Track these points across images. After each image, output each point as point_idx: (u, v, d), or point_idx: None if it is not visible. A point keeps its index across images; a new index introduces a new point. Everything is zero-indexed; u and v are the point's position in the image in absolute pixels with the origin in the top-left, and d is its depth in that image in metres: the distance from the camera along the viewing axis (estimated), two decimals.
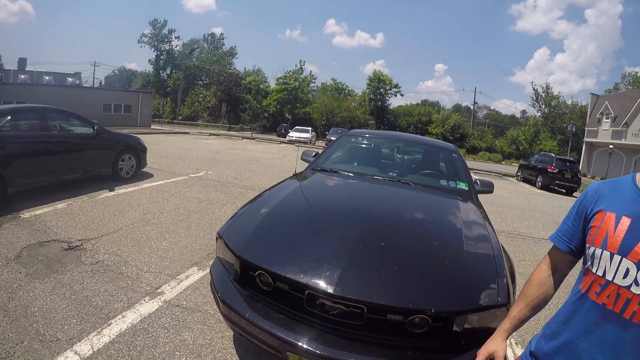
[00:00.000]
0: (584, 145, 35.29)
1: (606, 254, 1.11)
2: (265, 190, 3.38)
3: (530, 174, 19.64)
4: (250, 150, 19.33)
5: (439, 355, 1.97)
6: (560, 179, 17.10)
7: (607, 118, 32.33)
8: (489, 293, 2.08)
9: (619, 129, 30.41)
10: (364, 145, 5.03)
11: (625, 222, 1.10)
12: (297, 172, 4.26)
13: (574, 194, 17.29)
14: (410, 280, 2.15)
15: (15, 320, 2.80)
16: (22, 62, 30.95)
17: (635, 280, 1.05)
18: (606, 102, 32.88)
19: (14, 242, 4.14)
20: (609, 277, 1.10)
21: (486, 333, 2.11)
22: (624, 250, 1.08)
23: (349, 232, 2.47)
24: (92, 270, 3.73)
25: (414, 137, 5.40)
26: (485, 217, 3.20)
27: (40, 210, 5.29)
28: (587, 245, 1.19)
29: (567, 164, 17.92)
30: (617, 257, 1.09)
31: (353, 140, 5.05)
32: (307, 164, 4.41)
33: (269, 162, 14.64)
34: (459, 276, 2.18)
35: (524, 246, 6.50)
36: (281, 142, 29.28)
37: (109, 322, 2.91)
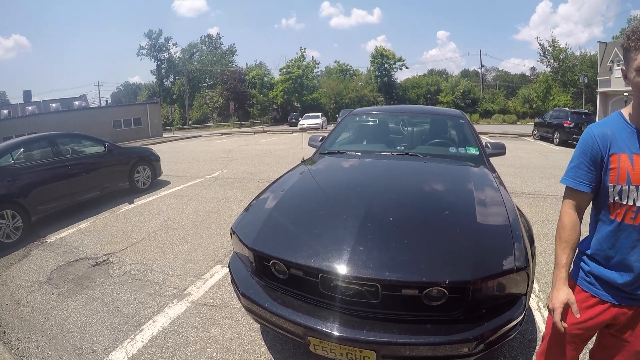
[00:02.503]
0: (598, 96, 33.60)
1: (632, 187, 1.39)
2: (274, 181, 3.39)
3: (546, 132, 19.05)
4: (262, 143, 19.39)
5: (459, 326, 1.92)
6: (577, 133, 16.45)
7: (618, 65, 30.48)
8: (505, 258, 2.02)
9: None
10: (369, 123, 4.96)
11: (638, 159, 1.38)
12: (304, 158, 4.25)
13: None
14: (422, 252, 2.11)
15: (52, 339, 2.92)
16: (27, 94, 31.59)
17: None
18: (615, 49, 31.03)
19: (43, 267, 4.29)
20: (639, 204, 1.39)
21: (507, 299, 2.02)
22: None
23: (356, 211, 2.44)
24: (120, 281, 3.84)
25: (418, 107, 5.30)
26: (499, 181, 3.10)
27: (65, 232, 5.46)
28: (611, 184, 1.44)
29: (583, 116, 17.40)
30: None
31: (357, 119, 4.98)
32: (314, 150, 4.39)
33: (282, 152, 14.67)
34: (473, 243, 2.12)
35: (546, 206, 6.29)
36: (293, 132, 29.20)
37: (140, 328, 3.00)
